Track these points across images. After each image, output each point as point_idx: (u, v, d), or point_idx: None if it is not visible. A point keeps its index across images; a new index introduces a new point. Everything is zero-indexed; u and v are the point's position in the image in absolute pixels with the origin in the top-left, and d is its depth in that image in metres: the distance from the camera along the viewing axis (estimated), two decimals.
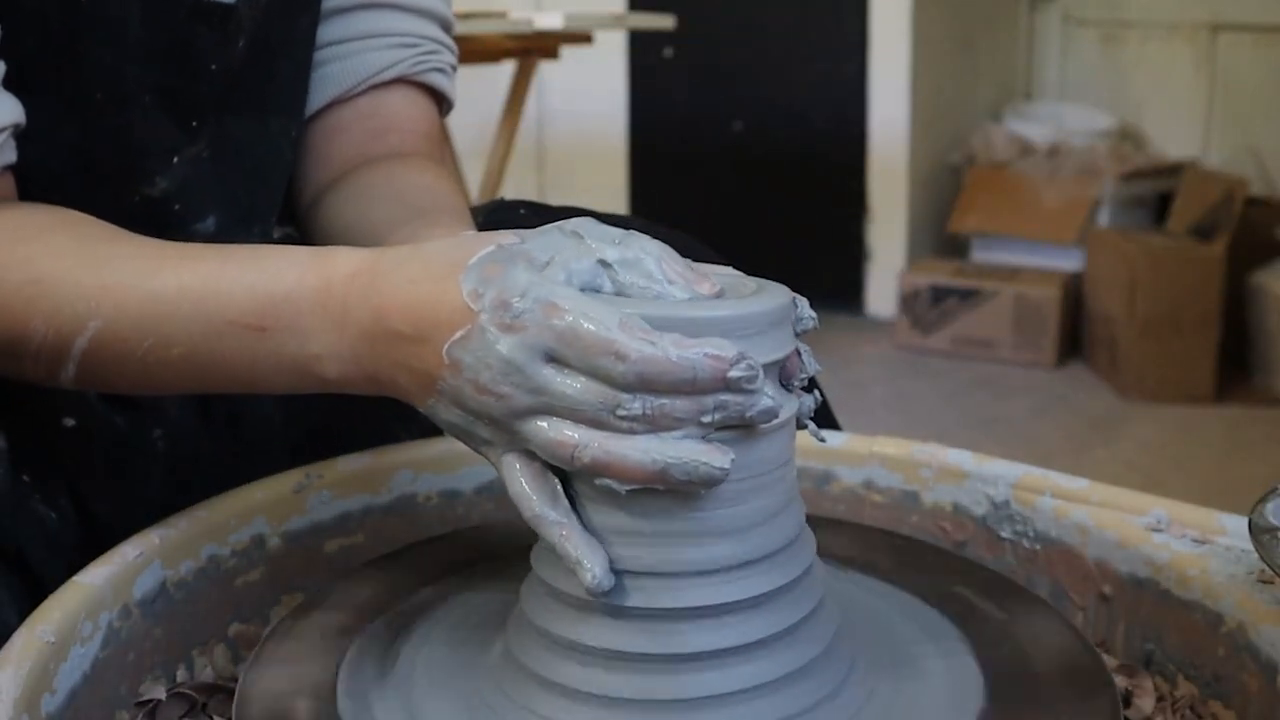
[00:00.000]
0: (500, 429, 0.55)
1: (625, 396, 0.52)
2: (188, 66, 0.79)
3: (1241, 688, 0.63)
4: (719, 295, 0.57)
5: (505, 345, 0.53)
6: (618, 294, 0.55)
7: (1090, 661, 0.60)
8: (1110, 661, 0.68)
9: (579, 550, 0.54)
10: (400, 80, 0.91)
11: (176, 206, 0.80)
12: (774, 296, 0.56)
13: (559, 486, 0.56)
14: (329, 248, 0.62)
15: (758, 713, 0.55)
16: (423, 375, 0.55)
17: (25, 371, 0.66)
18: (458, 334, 0.54)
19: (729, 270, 0.61)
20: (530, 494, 0.55)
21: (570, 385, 0.52)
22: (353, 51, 0.90)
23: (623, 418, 0.52)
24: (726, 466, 0.52)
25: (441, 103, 0.95)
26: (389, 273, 0.57)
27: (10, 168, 0.71)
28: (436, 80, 0.93)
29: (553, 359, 0.53)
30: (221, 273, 0.62)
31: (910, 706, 0.57)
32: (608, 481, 0.53)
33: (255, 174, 0.85)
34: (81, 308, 0.63)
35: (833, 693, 0.56)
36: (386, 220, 0.77)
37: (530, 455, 0.55)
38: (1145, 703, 0.65)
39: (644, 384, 0.51)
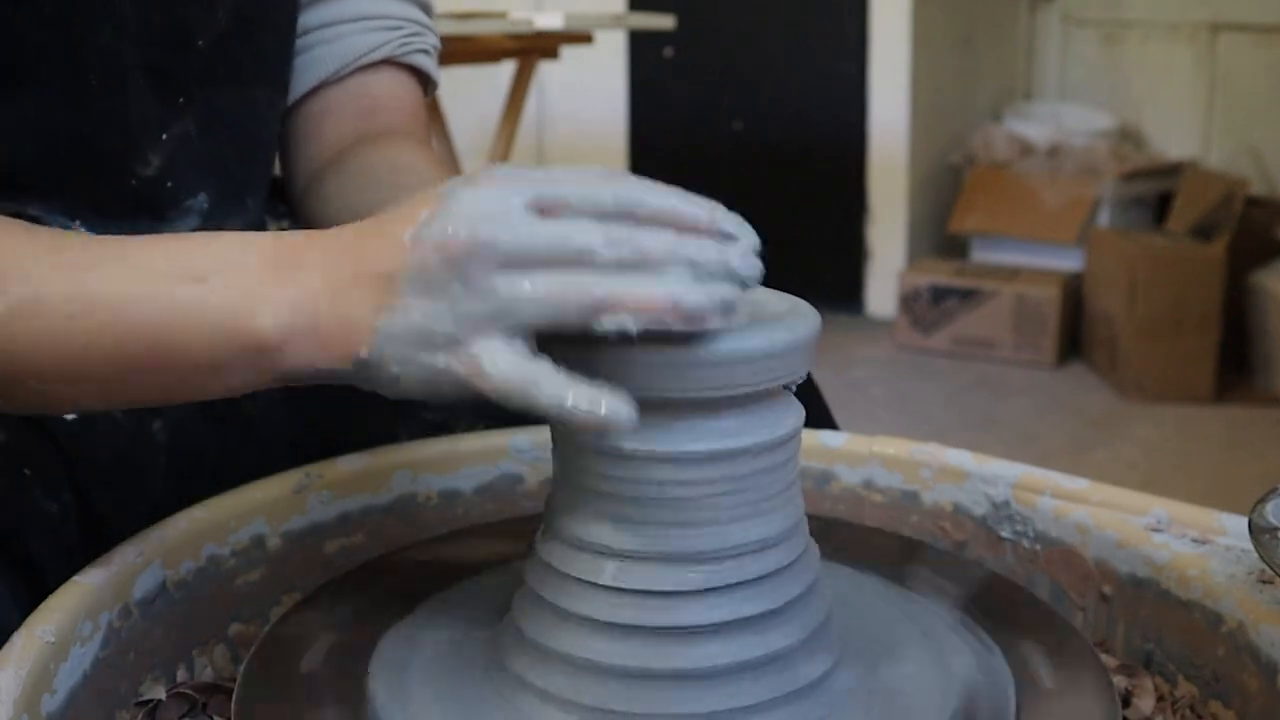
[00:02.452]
0: (476, 297, 0.50)
1: (614, 226, 0.50)
2: (177, 43, 0.80)
3: (1241, 688, 0.63)
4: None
5: (487, 193, 0.50)
6: None
7: (1088, 661, 0.60)
8: (1110, 661, 0.68)
9: (592, 401, 0.49)
10: (386, 62, 0.93)
11: (169, 184, 0.81)
12: (808, 320, 0.56)
13: (549, 362, 0.51)
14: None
15: (742, 691, 0.55)
16: (377, 275, 0.52)
17: None
18: (423, 214, 0.51)
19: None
20: (521, 374, 0.50)
21: (556, 222, 0.50)
22: (339, 35, 0.91)
23: (613, 245, 0.50)
24: (752, 272, 0.52)
25: (426, 83, 0.97)
26: (348, 228, 0.56)
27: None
28: (421, 61, 0.95)
29: (537, 207, 0.50)
30: (158, 237, 0.60)
31: (897, 695, 0.57)
32: (621, 320, 0.49)
33: (244, 148, 0.86)
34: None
35: (820, 679, 0.57)
36: (383, 200, 0.77)
37: (510, 338, 0.51)
38: (1145, 703, 0.65)
39: (626, 210, 0.51)
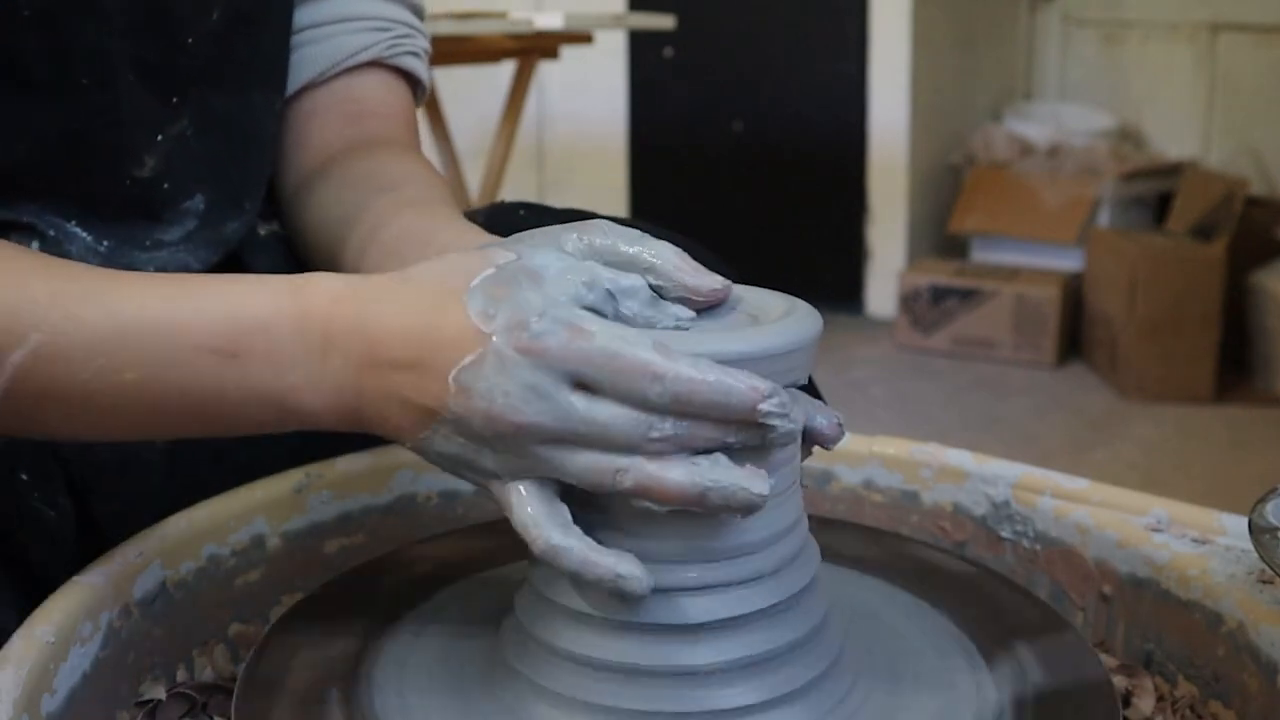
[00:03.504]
0: (514, 456, 0.53)
1: (657, 419, 0.51)
2: (166, 38, 0.79)
3: (1241, 688, 0.63)
4: (723, 298, 0.57)
5: (526, 369, 0.50)
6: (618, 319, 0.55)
7: (1089, 663, 0.60)
8: (1110, 661, 0.68)
9: (609, 564, 0.52)
10: (375, 64, 0.91)
11: (166, 185, 0.80)
12: (810, 322, 0.56)
13: (569, 513, 0.54)
14: (304, 275, 0.59)
15: (740, 689, 0.55)
16: (420, 407, 0.53)
17: None
18: (468, 359, 0.51)
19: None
20: (542, 522, 0.53)
21: (601, 410, 0.51)
22: (326, 35, 0.89)
23: (655, 440, 0.51)
24: (765, 493, 0.51)
25: (416, 87, 0.95)
26: (378, 300, 0.55)
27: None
28: (411, 64, 0.93)
29: (579, 384, 0.51)
30: (188, 293, 0.57)
31: (900, 700, 0.57)
32: (646, 503, 0.52)
33: (241, 150, 0.85)
34: (25, 315, 0.55)
35: (816, 680, 0.57)
36: (377, 211, 0.77)
37: (541, 483, 0.53)
38: (1145, 703, 0.65)
39: (678, 405, 0.50)
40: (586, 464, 0.52)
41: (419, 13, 0.95)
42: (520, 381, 0.51)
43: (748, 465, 0.52)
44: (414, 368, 0.53)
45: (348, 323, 0.55)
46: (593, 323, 0.51)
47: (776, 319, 0.56)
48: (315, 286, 0.57)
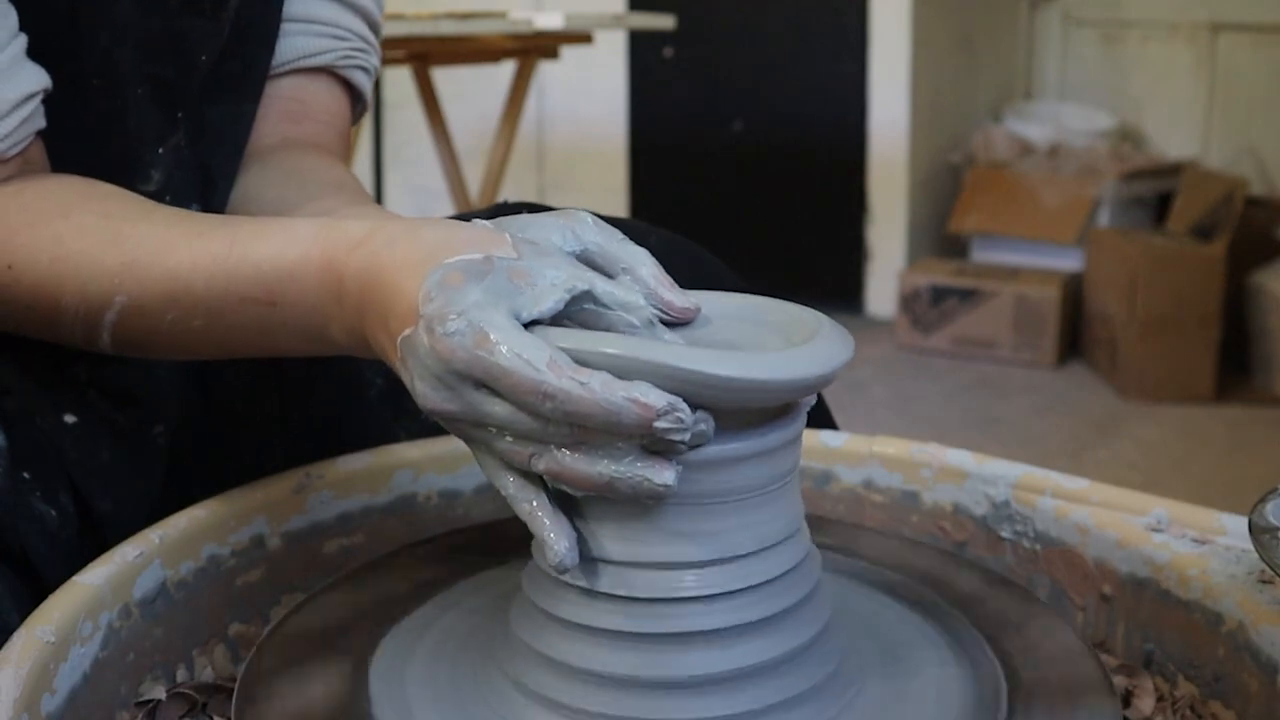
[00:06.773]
0: (453, 427, 0.56)
1: (553, 425, 0.52)
2: (179, 58, 0.79)
3: (1241, 688, 0.63)
4: (692, 318, 0.57)
5: (434, 362, 0.53)
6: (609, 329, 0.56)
7: (1090, 664, 0.60)
8: (1110, 661, 0.68)
9: (545, 529, 0.54)
10: (325, 70, 0.91)
11: (168, 198, 0.80)
12: (842, 345, 0.55)
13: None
14: (332, 221, 0.63)
15: (737, 699, 0.55)
16: (389, 356, 0.57)
17: (64, 338, 0.70)
18: (407, 331, 0.54)
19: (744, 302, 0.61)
20: (504, 473, 0.55)
21: (501, 410, 0.52)
22: (284, 32, 0.89)
23: (555, 437, 0.52)
24: (669, 482, 0.52)
25: (357, 103, 0.95)
26: (382, 249, 0.57)
27: (41, 134, 0.72)
28: (359, 79, 0.93)
29: (482, 385, 0.52)
30: (230, 251, 0.64)
31: (899, 705, 0.57)
32: (563, 487, 0.54)
33: (231, 159, 0.85)
34: (106, 285, 0.66)
35: (819, 686, 0.57)
36: (324, 204, 0.78)
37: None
38: (1145, 703, 0.65)
39: (571, 420, 0.51)
40: (504, 446, 0.54)
41: (376, 30, 0.94)
42: (431, 372, 0.53)
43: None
44: (385, 320, 0.56)
45: (356, 270, 0.59)
46: (502, 333, 0.51)
47: (808, 338, 0.55)
48: (339, 234, 0.61)
